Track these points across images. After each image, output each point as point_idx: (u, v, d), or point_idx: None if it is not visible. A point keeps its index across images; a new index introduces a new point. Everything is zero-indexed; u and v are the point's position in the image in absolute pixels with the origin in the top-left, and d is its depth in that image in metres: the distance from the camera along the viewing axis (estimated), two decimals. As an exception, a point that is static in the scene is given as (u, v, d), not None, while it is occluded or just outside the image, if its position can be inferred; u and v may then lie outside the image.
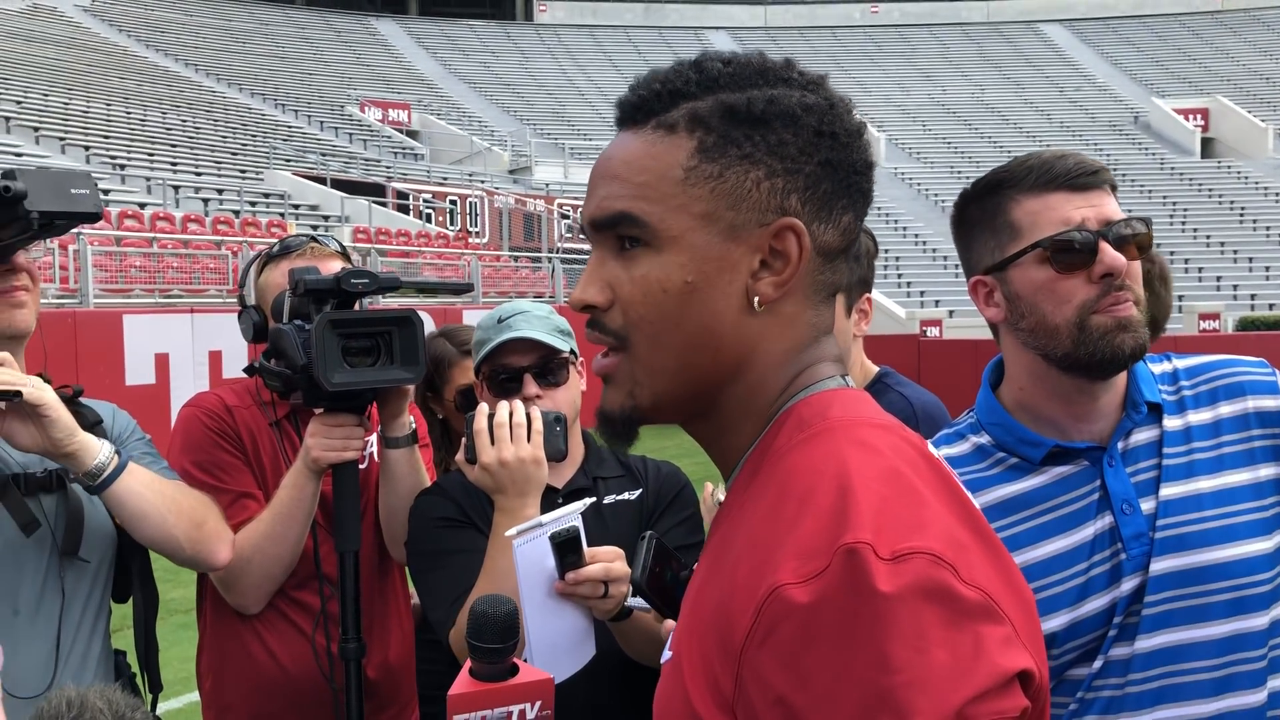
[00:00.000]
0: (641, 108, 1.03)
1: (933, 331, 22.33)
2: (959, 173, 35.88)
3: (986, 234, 1.60)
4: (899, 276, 29.89)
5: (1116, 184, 1.59)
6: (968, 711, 0.82)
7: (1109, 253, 1.51)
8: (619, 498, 2.20)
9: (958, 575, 0.85)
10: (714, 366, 1.01)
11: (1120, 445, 1.58)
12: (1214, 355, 1.68)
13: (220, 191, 23.92)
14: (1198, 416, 1.60)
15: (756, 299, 0.99)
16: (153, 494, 2.11)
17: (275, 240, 2.60)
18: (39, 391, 1.96)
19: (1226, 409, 1.60)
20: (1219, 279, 29.51)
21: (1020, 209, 1.56)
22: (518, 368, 2.15)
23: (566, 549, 1.78)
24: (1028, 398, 1.61)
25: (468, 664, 1.56)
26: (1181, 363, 1.67)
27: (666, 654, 1.02)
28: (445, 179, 30.98)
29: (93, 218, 2.08)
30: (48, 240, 2.17)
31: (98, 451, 2.04)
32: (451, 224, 26.65)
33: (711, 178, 0.98)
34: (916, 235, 32.66)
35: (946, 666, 0.82)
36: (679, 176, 0.99)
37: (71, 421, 2.01)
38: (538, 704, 1.56)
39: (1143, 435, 1.59)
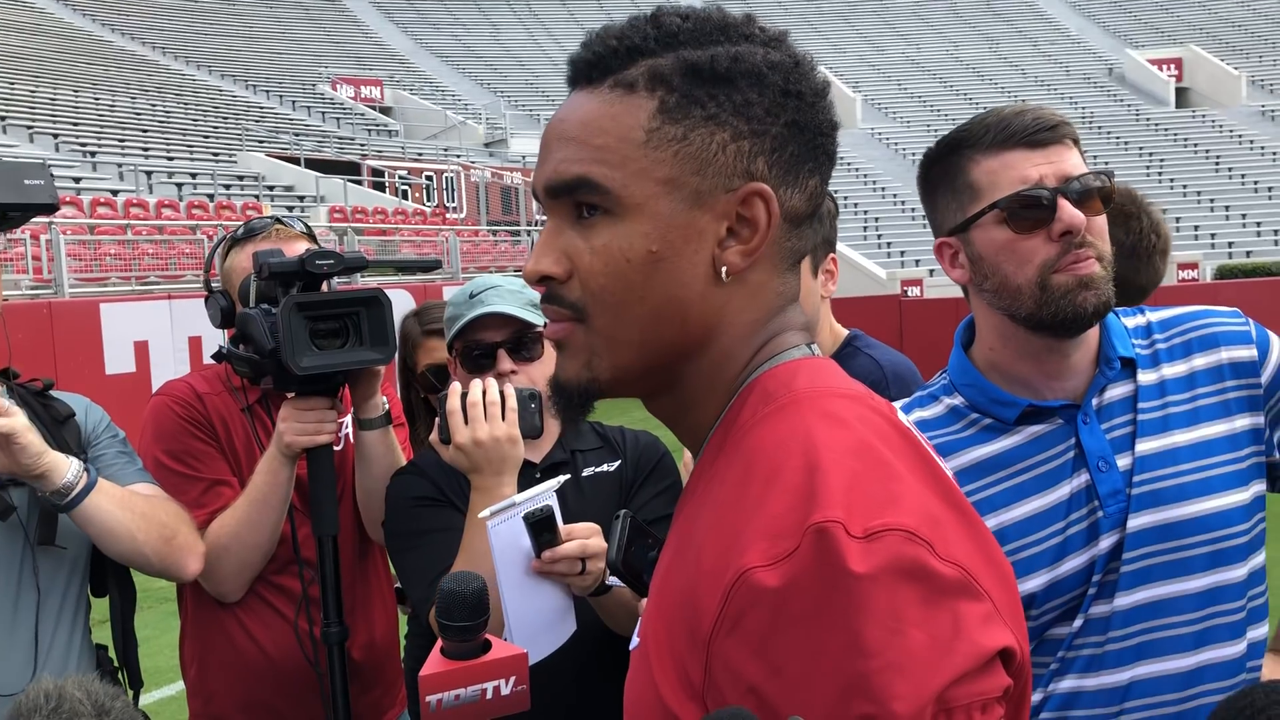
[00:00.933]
0: (597, 65, 0.96)
1: (914, 291, 22.37)
2: (935, 131, 35.59)
3: (948, 195, 1.58)
4: (879, 237, 29.88)
5: (1078, 137, 1.56)
6: (948, 695, 0.78)
7: (1068, 210, 1.48)
8: (598, 470, 2.18)
9: (934, 552, 0.81)
10: (679, 340, 0.95)
11: (1094, 402, 1.56)
12: (1188, 307, 1.66)
13: (194, 176, 23.72)
14: (1172, 370, 1.58)
15: (724, 269, 0.93)
16: (121, 511, 2.09)
17: (241, 223, 2.57)
18: (10, 422, 1.94)
19: (1201, 361, 1.59)
20: (1196, 228, 29.62)
21: (979, 169, 1.53)
22: (491, 343, 2.12)
23: (541, 528, 1.76)
24: (999, 358, 1.60)
25: (439, 643, 1.54)
26: (1155, 315, 1.66)
27: (635, 641, 0.98)
28: (420, 155, 30.81)
29: (48, 209, 2.05)
30: (15, 231, 2.15)
31: (65, 471, 2.02)
32: (428, 200, 26.50)
33: (675, 140, 0.92)
34: (895, 195, 32.62)
35: (925, 648, 0.78)
36: (640, 139, 0.93)
37: (40, 444, 1.99)
38: (512, 679, 1.54)
39: (1117, 391, 1.57)
